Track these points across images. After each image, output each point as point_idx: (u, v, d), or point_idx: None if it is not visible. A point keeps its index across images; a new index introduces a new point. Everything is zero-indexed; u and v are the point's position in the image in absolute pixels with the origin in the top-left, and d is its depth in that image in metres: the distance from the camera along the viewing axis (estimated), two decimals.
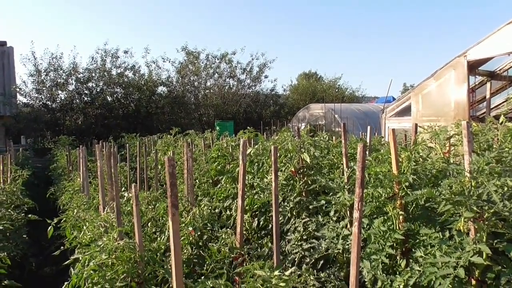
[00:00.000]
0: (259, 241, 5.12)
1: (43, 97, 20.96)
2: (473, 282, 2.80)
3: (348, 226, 4.28)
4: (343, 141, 4.52)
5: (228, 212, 5.82)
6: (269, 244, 4.84)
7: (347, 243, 4.15)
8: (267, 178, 5.32)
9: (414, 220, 3.68)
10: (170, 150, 9.87)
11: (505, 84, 11.65)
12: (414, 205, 3.55)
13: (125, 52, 22.57)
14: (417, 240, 3.47)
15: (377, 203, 3.88)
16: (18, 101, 21.09)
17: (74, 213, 4.38)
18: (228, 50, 26.34)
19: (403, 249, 3.59)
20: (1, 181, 8.13)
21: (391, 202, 3.73)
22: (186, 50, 24.94)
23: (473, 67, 10.62)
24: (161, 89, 23.77)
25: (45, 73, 20.77)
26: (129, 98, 22.37)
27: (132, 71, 22.74)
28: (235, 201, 5.62)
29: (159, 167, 9.04)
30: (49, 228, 4.16)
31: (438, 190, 3.34)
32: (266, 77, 26.64)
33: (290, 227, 4.91)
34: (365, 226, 3.91)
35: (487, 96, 11.36)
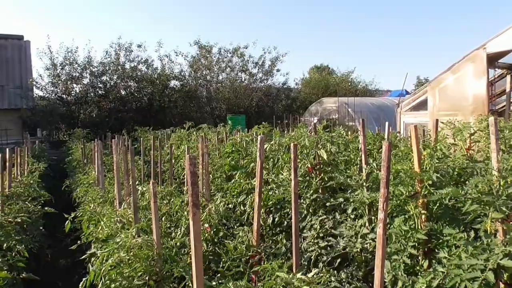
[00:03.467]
0: (274, 238, 5.07)
1: (58, 90, 21.21)
2: (502, 286, 2.70)
3: (367, 224, 4.19)
4: (361, 138, 4.42)
5: (242, 208, 5.76)
6: (284, 241, 4.78)
7: (366, 242, 4.06)
8: (282, 174, 5.25)
9: (436, 220, 3.58)
10: (184, 144, 9.85)
11: None
12: (437, 204, 3.45)
13: (139, 46, 22.67)
14: (440, 240, 3.37)
15: (398, 202, 3.78)
16: (35, 94, 21.35)
17: (91, 208, 4.37)
18: (240, 44, 26.19)
19: (425, 250, 3.49)
20: (19, 173, 8.21)
21: (412, 200, 3.64)
22: (199, 44, 24.90)
23: (492, 59, 10.34)
24: (173, 83, 23.83)
25: (60, 67, 20.98)
26: (142, 91, 22.47)
27: (145, 65, 22.82)
28: (249, 196, 5.56)
29: (173, 161, 9.03)
30: (67, 222, 4.17)
31: (463, 189, 3.24)
32: (278, 70, 26.46)
33: (306, 224, 4.84)
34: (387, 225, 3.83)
35: (507, 90, 11.06)
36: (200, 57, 24.90)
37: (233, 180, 6.43)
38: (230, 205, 5.78)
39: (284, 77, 32.20)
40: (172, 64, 24.11)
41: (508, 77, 10.95)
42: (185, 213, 4.35)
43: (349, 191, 4.42)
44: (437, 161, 3.57)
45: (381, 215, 2.36)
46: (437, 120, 4.72)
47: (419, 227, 3.53)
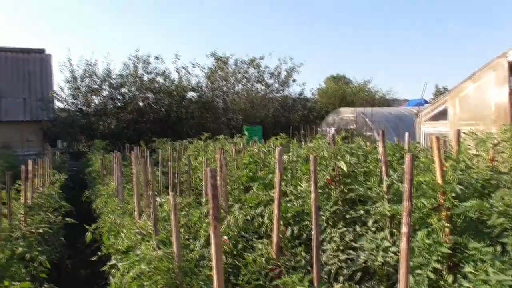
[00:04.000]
0: (293, 250, 5.02)
1: (78, 102, 21.68)
2: None
3: (388, 237, 4.12)
4: (381, 149, 4.36)
5: (260, 220, 5.73)
6: (303, 254, 4.73)
7: (388, 255, 3.98)
8: (301, 185, 5.21)
9: (461, 233, 3.49)
10: (201, 155, 9.90)
11: None
12: (461, 217, 3.36)
13: (156, 58, 23.05)
14: (465, 255, 3.28)
15: (420, 214, 3.71)
16: (55, 106, 21.87)
17: (111, 219, 4.42)
18: (256, 55, 26.28)
19: (450, 264, 3.40)
20: (40, 184, 8.37)
21: (435, 213, 3.56)
22: (215, 56, 25.18)
23: None
24: (190, 94, 24.09)
25: (80, 79, 21.48)
26: (159, 103, 22.79)
27: (163, 77, 23.17)
28: (267, 208, 5.53)
29: (191, 172, 9.08)
30: (87, 233, 4.21)
31: (488, 201, 3.15)
32: (294, 81, 26.48)
33: (326, 237, 4.78)
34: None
35: None
36: (216, 68, 25.16)
37: (250, 192, 6.41)
38: (248, 217, 5.77)
39: (300, 87, 32.28)
40: (189, 75, 24.46)
41: None
42: (204, 224, 4.35)
43: (369, 203, 4.35)
44: (460, 172, 3.49)
45: (404, 229, 2.31)
46: (458, 131, 4.63)
47: (443, 240, 3.44)
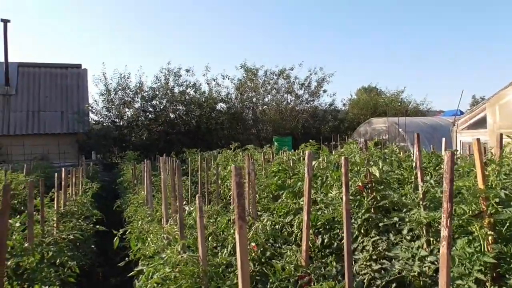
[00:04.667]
0: (323, 260, 4.83)
1: (112, 114, 22.31)
2: None
3: (425, 246, 3.90)
4: (416, 153, 4.15)
5: (289, 228, 5.58)
6: (334, 263, 4.54)
7: (424, 265, 3.75)
8: (331, 193, 5.05)
9: (505, 242, 3.24)
10: (230, 164, 9.87)
11: None
12: (507, 224, 3.11)
13: (187, 70, 23.49)
14: (511, 265, 3.04)
15: (460, 222, 3.48)
16: (90, 119, 22.60)
17: (139, 225, 4.40)
18: (286, 65, 26.23)
19: (494, 275, 3.15)
20: (73, 192, 8.56)
21: (477, 220, 3.32)
22: (245, 67, 25.36)
23: None
24: (220, 105, 24.31)
25: (114, 92, 22.13)
26: (190, 114, 23.11)
27: (193, 89, 23.52)
28: (297, 217, 5.38)
29: (220, 181, 9.05)
30: (115, 238, 4.21)
31: None
32: (324, 91, 26.24)
33: (358, 245, 4.57)
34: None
35: None
36: (246, 80, 25.33)
37: (279, 200, 6.29)
38: (277, 226, 5.64)
39: (330, 98, 31.84)
40: (219, 87, 24.72)
41: None
42: (232, 231, 4.26)
43: (405, 210, 4.14)
44: (505, 177, 3.25)
45: (444, 232, 2.14)
46: (501, 135, 4.36)
47: (486, 249, 3.20)
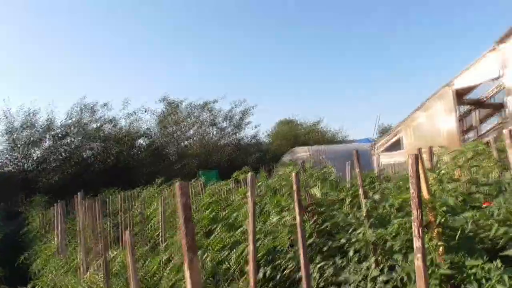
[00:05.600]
0: None
1: (17, 155, 19.96)
2: None
3: (373, 266, 3.73)
4: (357, 170, 4.06)
5: (227, 264, 5.13)
6: None
7: (377, 285, 3.57)
8: (270, 219, 4.74)
9: (456, 251, 3.17)
10: (155, 202, 9.17)
11: (491, 112, 11.67)
12: (457, 232, 3.05)
13: (104, 105, 22.16)
14: (465, 274, 2.95)
15: (409, 236, 3.38)
16: None
17: (50, 279, 3.66)
18: (209, 98, 26.12)
19: (450, 286, 3.04)
20: None
21: (426, 232, 3.24)
22: (167, 101, 24.68)
23: (460, 96, 10.63)
24: (141, 141, 23.19)
25: (19, 131, 19.92)
26: (108, 152, 21.62)
27: (111, 124, 22.19)
28: (234, 251, 4.99)
29: (144, 220, 8.33)
30: None
31: (483, 212, 2.88)
32: (248, 123, 26.52)
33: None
34: (399, 264, 3.37)
35: (475, 124, 11.31)
36: (168, 113, 24.60)
37: (213, 235, 5.84)
38: (213, 262, 5.17)
39: (254, 129, 32.37)
40: (139, 122, 23.62)
41: (475, 112, 11.24)
42: (166, 273, 3.74)
43: (349, 231, 3.96)
44: (447, 185, 3.24)
45: (417, 243, 1.93)
46: (431, 147, 4.48)
47: (437, 261, 3.10)
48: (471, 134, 12.16)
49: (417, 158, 1.98)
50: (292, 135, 31.50)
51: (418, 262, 1.85)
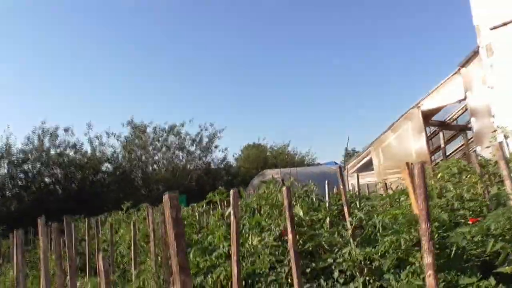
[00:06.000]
0: None
1: None
2: None
3: (361, 287, 3.56)
4: (341, 187, 3.93)
5: None
6: None
7: None
8: (250, 241, 4.49)
9: (447, 269, 3.06)
10: (123, 228, 8.70)
11: (456, 133, 12.05)
12: (452, 248, 2.94)
13: (65, 130, 21.25)
14: None
15: (399, 254, 3.25)
16: None
17: None
18: (176, 122, 25.61)
19: None
20: None
21: (415, 250, 3.12)
22: (132, 124, 24.02)
23: (427, 117, 10.91)
24: (106, 166, 22.31)
25: None
26: (70, 178, 20.61)
27: (74, 150, 21.27)
28: (208, 276, 4.69)
29: (112, 247, 7.83)
30: None
31: (480, 226, 2.80)
32: (216, 147, 26.22)
33: None
34: (391, 283, 3.22)
35: (442, 145, 11.61)
36: (134, 137, 23.90)
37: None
38: None
39: (222, 153, 32.07)
40: (104, 146, 22.77)
41: (441, 133, 11.57)
42: None
43: (336, 250, 3.79)
44: (438, 199, 3.15)
45: (428, 259, 1.78)
46: (408, 163, 4.42)
47: None
48: (438, 155, 12.48)
49: (423, 167, 1.85)
50: (261, 158, 31.41)
51: (429, 280, 1.69)
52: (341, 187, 3.91)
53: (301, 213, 4.00)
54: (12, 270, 6.65)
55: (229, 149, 37.33)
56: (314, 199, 4.64)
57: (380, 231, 3.50)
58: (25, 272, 5.77)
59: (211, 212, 6.70)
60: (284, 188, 2.41)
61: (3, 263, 8.69)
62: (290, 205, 2.31)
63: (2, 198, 19.04)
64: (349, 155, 39.01)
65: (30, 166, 19.93)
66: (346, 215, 3.81)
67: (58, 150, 20.83)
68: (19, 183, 19.49)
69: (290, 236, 2.31)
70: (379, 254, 3.44)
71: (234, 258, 2.87)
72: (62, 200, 19.60)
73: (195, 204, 6.46)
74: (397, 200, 3.92)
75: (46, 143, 20.62)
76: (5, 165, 19.43)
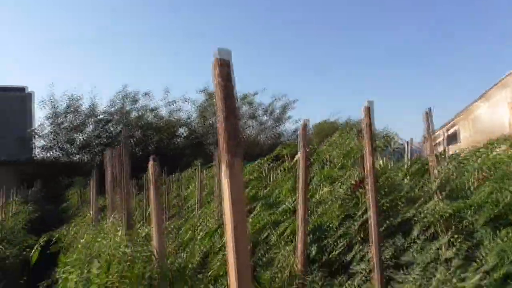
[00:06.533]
0: (310, 277, 3.90)
1: (61, 139, 20.45)
2: None
3: (443, 248, 3.08)
4: (426, 134, 3.42)
5: (265, 247, 4.59)
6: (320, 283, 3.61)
7: (451, 270, 2.92)
8: (319, 191, 4.14)
9: None
10: (193, 183, 8.90)
11: None
12: None
13: (145, 94, 22.24)
14: None
15: (497, 209, 2.72)
16: (35, 145, 20.61)
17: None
18: (250, 90, 25.55)
19: None
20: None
21: None
22: (206, 91, 24.40)
23: None
24: (181, 130, 23.12)
25: (63, 116, 20.40)
26: (149, 140, 21.71)
27: (152, 114, 22.28)
28: (275, 230, 4.46)
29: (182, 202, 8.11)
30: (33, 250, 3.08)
31: None
32: (289, 117, 25.81)
33: (355, 255, 3.68)
34: (483, 243, 2.72)
35: None
36: (208, 104, 24.34)
37: (253, 213, 5.34)
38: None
39: (294, 124, 31.60)
40: (180, 112, 23.52)
41: None
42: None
43: (418, 204, 3.33)
44: None
45: None
46: None
47: None
48: None
49: None
50: (334, 130, 30.49)
51: None
52: (427, 134, 3.39)
53: (380, 161, 3.56)
54: (91, 212, 7.08)
55: (301, 121, 36.58)
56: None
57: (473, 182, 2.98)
58: (99, 213, 6.07)
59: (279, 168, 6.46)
60: (365, 129, 2.02)
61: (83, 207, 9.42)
62: (372, 145, 1.91)
63: (89, 153, 20.63)
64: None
65: (112, 127, 21.30)
66: (432, 164, 3.31)
67: (138, 113, 21.95)
68: (103, 141, 20.93)
69: (370, 181, 1.92)
70: (472, 209, 2.94)
71: (300, 208, 2.55)
72: (140, 160, 20.73)
73: (264, 158, 6.23)
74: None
75: (127, 106, 21.82)
76: (92, 123, 20.97)
